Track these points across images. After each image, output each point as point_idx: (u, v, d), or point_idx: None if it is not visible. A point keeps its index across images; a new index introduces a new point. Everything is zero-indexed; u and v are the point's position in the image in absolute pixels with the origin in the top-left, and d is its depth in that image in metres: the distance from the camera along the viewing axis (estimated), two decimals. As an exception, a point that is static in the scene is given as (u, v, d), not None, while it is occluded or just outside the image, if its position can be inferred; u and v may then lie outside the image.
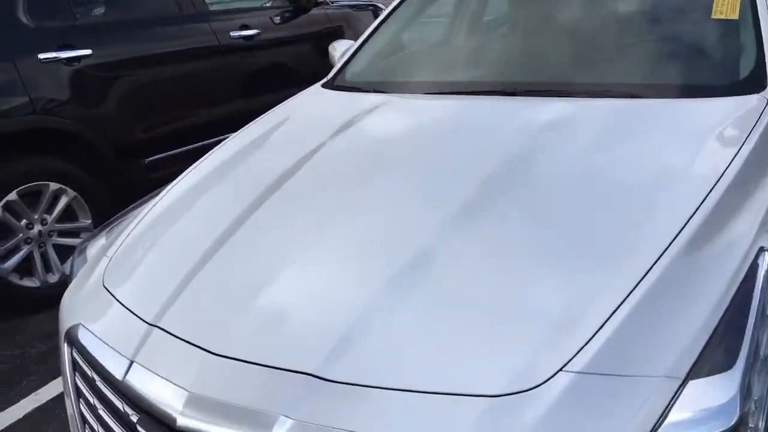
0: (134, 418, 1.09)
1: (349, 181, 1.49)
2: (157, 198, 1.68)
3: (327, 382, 0.98)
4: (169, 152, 3.35)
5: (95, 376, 1.22)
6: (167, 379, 1.07)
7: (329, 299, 1.12)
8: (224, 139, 3.57)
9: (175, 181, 1.75)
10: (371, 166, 1.53)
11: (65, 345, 1.34)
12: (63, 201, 2.94)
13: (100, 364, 1.19)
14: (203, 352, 1.09)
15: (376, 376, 0.97)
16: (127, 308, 1.27)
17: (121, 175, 3.20)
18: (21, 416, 2.21)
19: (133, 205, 1.82)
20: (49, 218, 2.93)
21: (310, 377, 0.99)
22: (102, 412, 1.21)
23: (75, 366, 1.31)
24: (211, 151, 1.89)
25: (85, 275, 1.49)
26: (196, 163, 1.83)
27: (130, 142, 3.20)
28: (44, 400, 2.28)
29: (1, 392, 2.38)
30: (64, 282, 2.96)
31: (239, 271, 1.26)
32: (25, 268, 2.89)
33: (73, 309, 1.38)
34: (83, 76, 3.02)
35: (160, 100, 3.32)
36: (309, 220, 1.35)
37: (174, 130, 3.38)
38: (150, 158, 3.29)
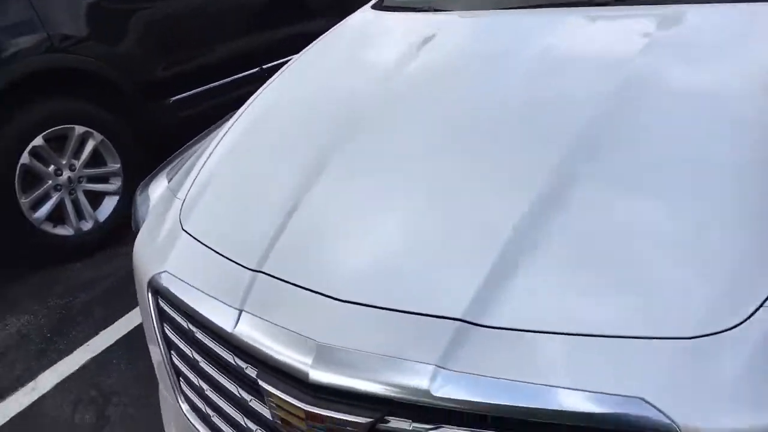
0: (252, 373, 0.99)
1: (439, 113, 1.31)
2: (222, 133, 1.52)
3: (482, 328, 0.87)
4: (195, 90, 3.17)
5: (192, 328, 1.11)
6: (289, 329, 0.96)
7: (457, 238, 0.99)
8: (252, 75, 3.40)
9: (237, 114, 1.59)
10: (463, 95, 1.36)
11: (149, 294, 1.22)
12: (90, 145, 2.79)
13: (201, 315, 1.07)
14: (325, 298, 0.98)
15: (540, 321, 0.85)
16: (219, 253, 1.15)
17: (146, 116, 3.03)
18: (78, 367, 2.14)
19: (189, 143, 1.67)
20: (77, 163, 2.78)
21: (461, 323, 0.88)
22: (204, 365, 1.10)
23: (162, 316, 1.21)
24: (270, 81, 1.71)
25: (158, 219, 1.36)
26: (257, 93, 1.66)
27: (153, 80, 3.02)
28: (98, 351, 2.21)
29: (52, 343, 2.31)
30: (99, 228, 2.86)
31: (342, 209, 1.12)
32: (57, 216, 2.77)
33: (152, 255, 1.26)
34: (100, 9, 2.80)
35: (183, 34, 3.11)
36: (409, 153, 1.20)
37: (199, 66, 3.18)
38: (175, 97, 3.10)
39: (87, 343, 2.26)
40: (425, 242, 1.01)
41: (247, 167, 1.36)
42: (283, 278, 1.04)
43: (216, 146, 1.47)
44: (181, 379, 1.21)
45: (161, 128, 3.07)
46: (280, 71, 1.74)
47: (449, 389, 0.83)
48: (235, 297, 1.05)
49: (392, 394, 0.86)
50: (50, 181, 2.69)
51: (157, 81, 3.02)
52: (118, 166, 2.90)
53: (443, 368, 0.84)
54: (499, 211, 1.01)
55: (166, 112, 3.08)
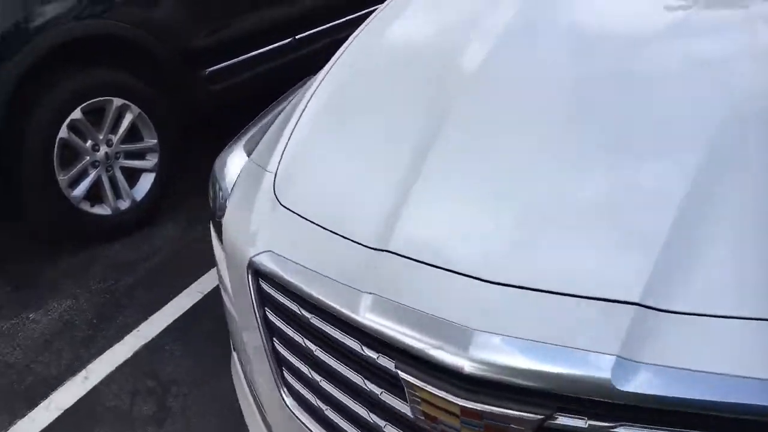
0: (388, 363, 0.88)
1: (559, 76, 1.16)
2: (305, 99, 1.39)
3: (665, 314, 0.76)
4: (231, 60, 3.01)
5: (306, 313, 1.01)
6: (433, 315, 0.85)
7: (614, 212, 0.88)
8: (286, 45, 3.24)
9: (319, 77, 1.45)
10: (583, 59, 1.22)
11: (249, 276, 1.11)
12: (127, 118, 2.66)
13: (318, 299, 0.96)
14: (467, 279, 0.86)
15: (730, 305, 0.74)
16: (329, 230, 1.03)
17: (181, 87, 2.88)
18: (130, 355, 2.03)
19: (263, 112, 1.55)
20: (115, 139, 2.65)
21: (639, 307, 0.77)
22: (320, 353, 1.00)
23: (263, 299, 1.10)
24: (350, 39, 1.53)
25: (246, 195, 1.24)
26: (338, 54, 1.50)
27: (189, 49, 2.86)
28: (150, 337, 2.10)
29: (100, 328, 2.20)
30: (136, 207, 2.75)
31: (469, 178, 1.00)
32: (94, 194, 2.66)
33: (248, 234, 1.14)
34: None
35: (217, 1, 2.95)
36: (536, 119, 1.07)
37: (233, 36, 3.02)
38: (211, 68, 2.96)
39: (137, 329, 2.15)
40: (576, 216, 0.89)
41: (345, 134, 1.23)
42: (413, 257, 0.93)
43: (302, 113, 1.34)
44: (283, 367, 1.11)
45: (197, 101, 2.94)
46: (360, 28, 1.58)
47: (636, 383, 0.73)
48: (359, 279, 0.94)
49: (567, 389, 0.76)
50: (88, 157, 2.57)
51: (192, 50, 2.87)
52: (155, 141, 2.77)
53: (627, 359, 0.74)
54: (660, 183, 0.89)
55: (200, 85, 2.93)
